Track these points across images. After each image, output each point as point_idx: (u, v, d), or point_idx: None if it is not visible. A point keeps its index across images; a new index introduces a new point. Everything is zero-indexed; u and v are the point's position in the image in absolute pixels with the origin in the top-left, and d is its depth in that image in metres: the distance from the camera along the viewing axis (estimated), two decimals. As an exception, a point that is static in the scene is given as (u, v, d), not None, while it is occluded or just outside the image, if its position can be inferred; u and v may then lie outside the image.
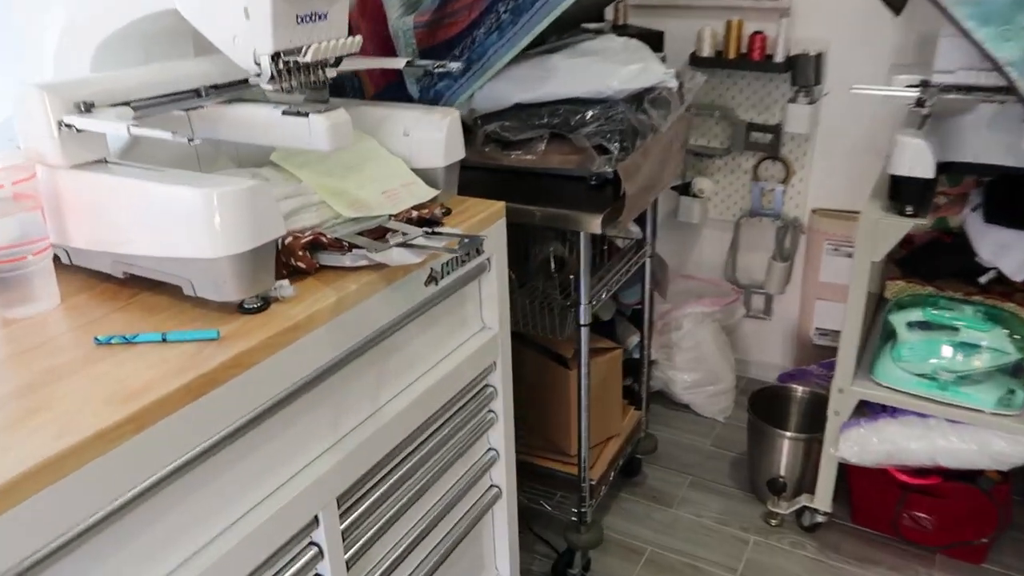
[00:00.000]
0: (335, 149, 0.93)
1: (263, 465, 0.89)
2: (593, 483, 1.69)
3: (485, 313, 1.27)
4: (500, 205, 1.21)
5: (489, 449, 1.36)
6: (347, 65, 0.99)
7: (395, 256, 0.96)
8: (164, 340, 0.81)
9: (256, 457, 0.87)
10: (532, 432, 1.72)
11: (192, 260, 0.83)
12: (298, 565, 0.97)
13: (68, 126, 0.81)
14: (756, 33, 1.97)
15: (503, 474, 1.39)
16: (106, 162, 0.87)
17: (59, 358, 0.79)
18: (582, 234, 1.38)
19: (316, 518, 0.96)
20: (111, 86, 0.86)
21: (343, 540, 1.02)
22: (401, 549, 1.16)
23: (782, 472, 1.85)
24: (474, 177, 1.32)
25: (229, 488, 0.85)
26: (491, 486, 1.39)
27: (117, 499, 0.71)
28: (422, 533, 1.21)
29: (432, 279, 1.08)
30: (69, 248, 0.92)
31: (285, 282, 0.91)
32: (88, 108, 0.82)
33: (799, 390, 2.00)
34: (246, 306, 0.87)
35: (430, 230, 1.03)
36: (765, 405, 1.93)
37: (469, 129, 1.40)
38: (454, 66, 1.10)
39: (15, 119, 0.85)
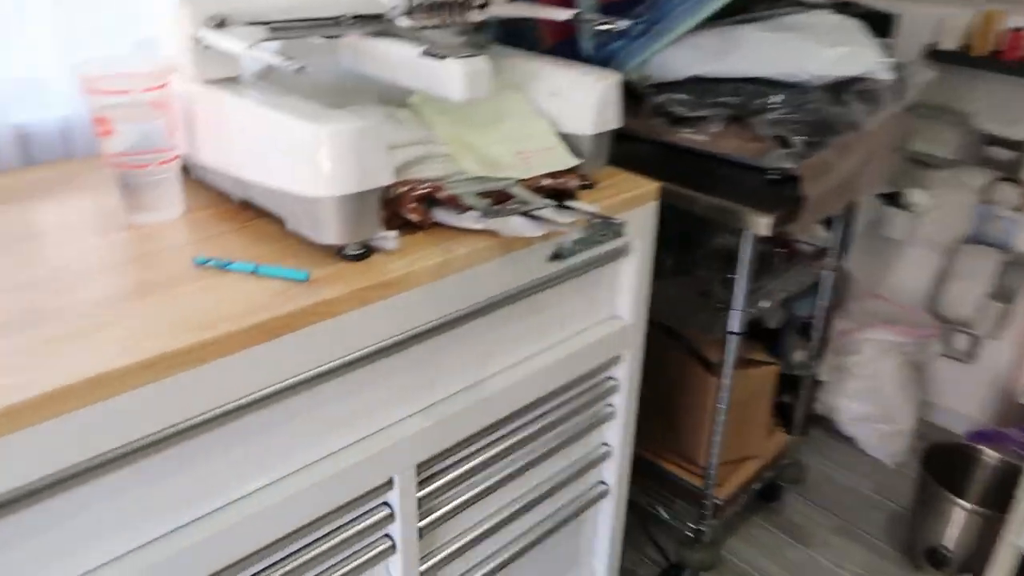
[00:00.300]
0: (467, 99, 0.86)
1: (342, 417, 0.85)
2: (718, 502, 1.54)
3: (619, 301, 1.16)
4: (654, 187, 1.09)
5: (603, 444, 1.27)
6: (499, 10, 0.91)
7: (512, 225, 0.88)
8: (255, 272, 0.79)
9: (334, 408, 0.84)
10: (663, 431, 1.59)
11: (296, 196, 0.80)
12: (368, 522, 0.94)
13: (199, 40, 0.80)
14: (1017, 30, 1.66)
15: (614, 473, 1.29)
16: (237, 81, 0.86)
17: (155, 272, 0.79)
18: (746, 233, 1.23)
19: (391, 480, 0.92)
20: (247, 5, 0.83)
21: (419, 507, 0.98)
22: (485, 527, 1.11)
23: (948, 544, 1.59)
24: (635, 150, 1.21)
25: (302, 433, 0.82)
26: (599, 483, 1.30)
27: (181, 422, 0.70)
28: (512, 516, 1.14)
29: (558, 256, 0.98)
30: (197, 163, 0.93)
31: (391, 233, 0.86)
32: (221, 24, 0.80)
33: (989, 454, 1.71)
34: (346, 252, 0.84)
35: (560, 203, 0.94)
36: (943, 461, 1.67)
37: (638, 97, 1.28)
38: (622, 24, 0.99)
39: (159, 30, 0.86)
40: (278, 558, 0.86)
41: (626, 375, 1.21)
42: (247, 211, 0.93)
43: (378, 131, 0.78)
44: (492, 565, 1.14)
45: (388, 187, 0.85)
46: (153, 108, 0.83)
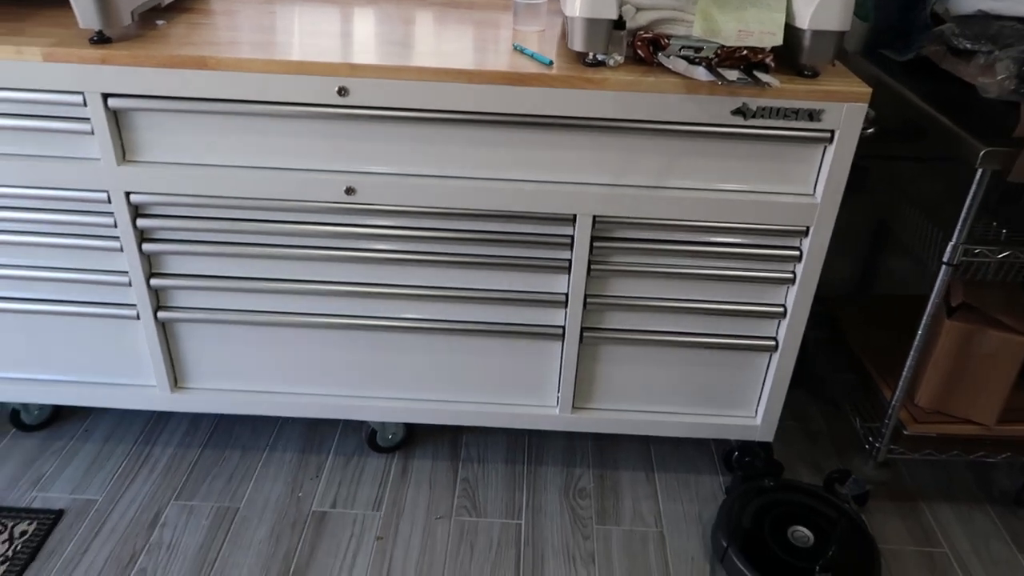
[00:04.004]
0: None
1: (542, 159, 1.39)
2: (905, 432, 1.63)
3: (814, 183, 1.41)
4: (866, 91, 1.31)
5: (778, 304, 1.54)
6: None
7: (689, 69, 1.27)
8: (532, 56, 1.36)
9: (537, 152, 1.38)
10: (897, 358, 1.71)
11: (566, 16, 1.33)
12: (553, 241, 1.47)
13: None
14: None
15: (783, 332, 1.56)
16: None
17: (494, 45, 1.43)
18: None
19: (574, 217, 1.44)
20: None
21: (591, 249, 1.47)
22: (647, 303, 1.54)
23: None
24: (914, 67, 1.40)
25: (519, 156, 1.39)
26: (769, 338, 1.58)
27: (457, 113, 1.34)
28: (682, 310, 1.54)
29: (740, 112, 1.33)
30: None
31: (617, 56, 1.33)
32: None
33: None
34: (585, 60, 1.34)
35: (746, 71, 1.28)
36: None
37: (924, 24, 1.43)
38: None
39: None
40: (490, 228, 1.46)
41: (810, 249, 1.46)
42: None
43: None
44: (649, 338, 1.57)
45: (634, 30, 1.32)
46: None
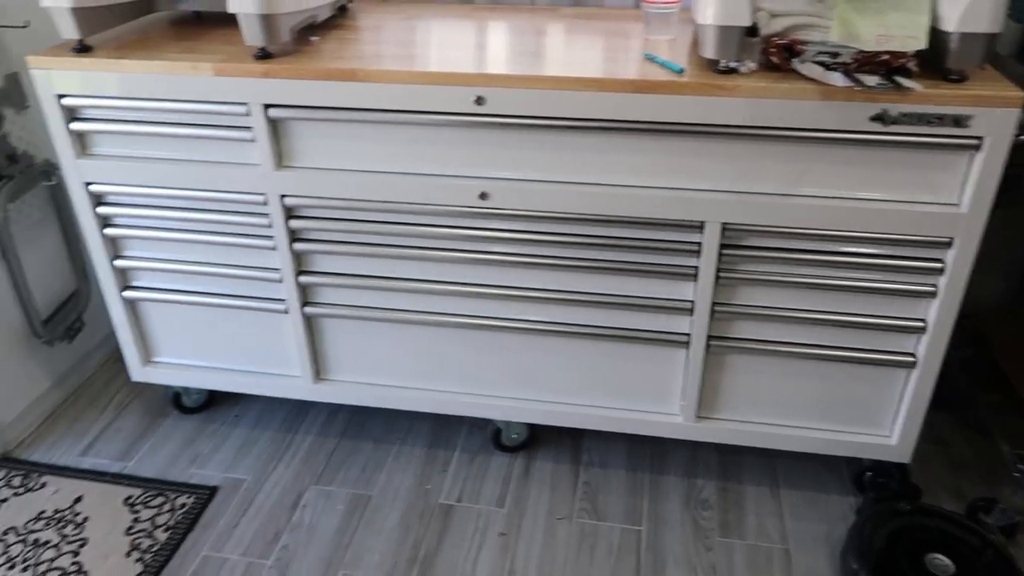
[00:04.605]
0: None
1: (671, 165, 1.40)
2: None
3: (961, 192, 1.35)
4: (1018, 95, 1.24)
5: (918, 319, 1.48)
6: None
7: (825, 75, 1.25)
8: (662, 64, 1.38)
9: (667, 158, 1.39)
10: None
11: (698, 24, 1.34)
12: (680, 247, 1.48)
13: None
14: None
15: (923, 349, 1.49)
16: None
17: (623, 55, 1.46)
18: None
19: (702, 224, 1.44)
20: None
21: (719, 257, 1.46)
22: (778, 313, 1.51)
23: None
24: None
25: (646, 162, 1.41)
26: (908, 354, 1.51)
27: (581, 120, 1.37)
28: (815, 322, 1.51)
29: (879, 118, 1.29)
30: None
31: (750, 62, 1.33)
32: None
33: None
34: (717, 67, 1.35)
35: (887, 76, 1.24)
36: None
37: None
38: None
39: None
40: (618, 234, 1.48)
41: (954, 262, 1.39)
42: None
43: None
44: (779, 349, 1.55)
45: (767, 36, 1.31)
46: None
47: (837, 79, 1.24)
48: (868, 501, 1.68)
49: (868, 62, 1.26)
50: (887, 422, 1.60)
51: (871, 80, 1.23)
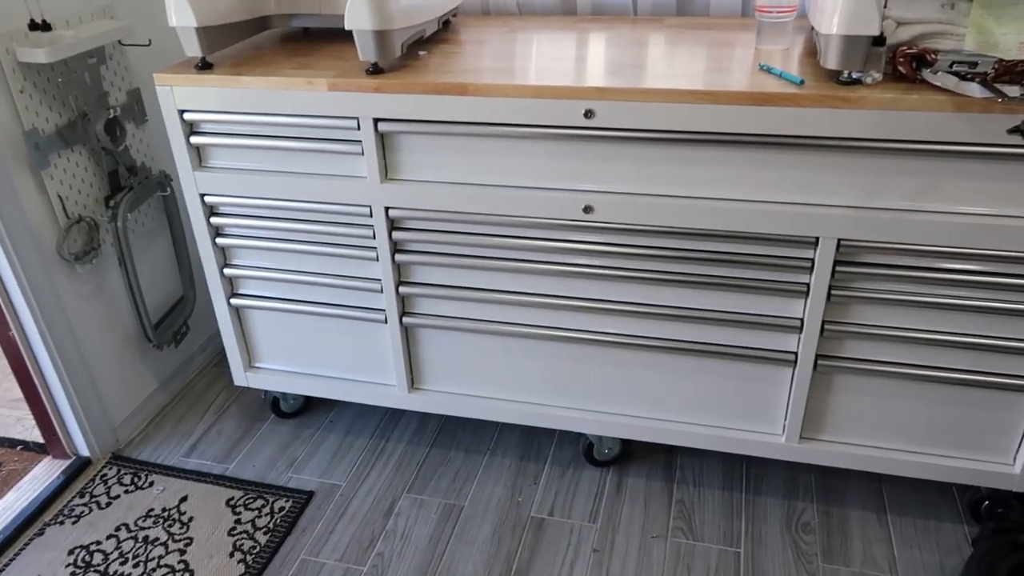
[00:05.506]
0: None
1: (790, 179, 1.36)
2: None
3: (1104, 208, 1.27)
4: None
5: (1051, 342, 1.40)
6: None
7: (961, 86, 1.19)
8: (779, 75, 1.34)
9: (784, 171, 1.35)
10: None
11: (822, 35, 1.30)
12: (791, 264, 1.43)
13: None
14: None
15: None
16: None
17: (735, 65, 1.42)
18: None
19: (817, 240, 1.39)
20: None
21: (833, 274, 1.41)
22: (895, 333, 1.45)
23: None
24: None
25: (763, 177, 1.37)
26: (1039, 378, 1.43)
27: (691, 133, 1.34)
28: (933, 343, 1.44)
29: (1019, 130, 1.22)
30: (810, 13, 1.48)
31: (875, 73, 1.28)
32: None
33: None
34: (840, 78, 1.30)
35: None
36: None
37: None
38: None
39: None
40: (725, 249, 1.45)
41: (1093, 284, 1.31)
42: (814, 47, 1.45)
43: (871, 3, 1.20)
44: (893, 371, 1.48)
45: (894, 46, 1.26)
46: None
47: (975, 90, 1.18)
48: (986, 531, 1.59)
49: (1009, 72, 1.20)
50: (1009, 450, 1.52)
51: (1013, 91, 1.16)
